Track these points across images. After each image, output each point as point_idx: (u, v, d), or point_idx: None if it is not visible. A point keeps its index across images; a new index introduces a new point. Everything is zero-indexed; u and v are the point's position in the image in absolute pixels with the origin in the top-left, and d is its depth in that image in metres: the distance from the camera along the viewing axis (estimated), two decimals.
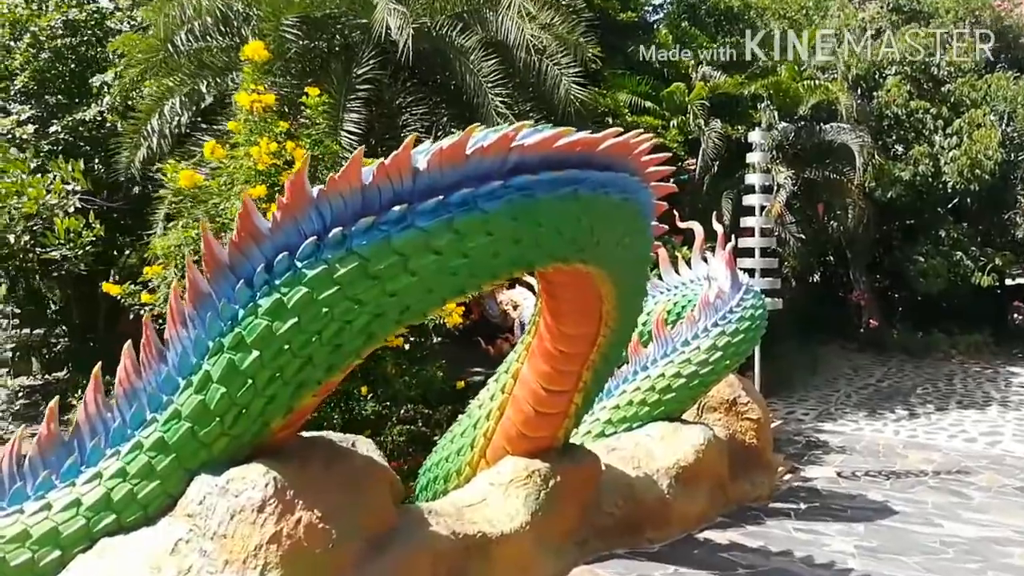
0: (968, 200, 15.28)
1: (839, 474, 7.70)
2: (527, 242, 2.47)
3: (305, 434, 3.03)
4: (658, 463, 5.05)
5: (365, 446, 3.13)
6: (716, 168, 10.80)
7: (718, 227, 6.18)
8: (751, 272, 7.61)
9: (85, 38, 10.97)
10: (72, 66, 10.77)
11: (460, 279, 2.41)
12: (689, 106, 11.02)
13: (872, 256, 18.17)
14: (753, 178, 7.49)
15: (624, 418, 5.51)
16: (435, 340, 8.13)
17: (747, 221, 7.52)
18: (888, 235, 18.47)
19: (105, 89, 9.82)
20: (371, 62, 7.74)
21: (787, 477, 7.25)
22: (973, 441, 9.57)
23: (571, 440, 5.59)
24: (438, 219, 2.26)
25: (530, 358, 3.84)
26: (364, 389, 6.01)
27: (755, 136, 7.60)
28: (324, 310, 2.30)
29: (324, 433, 3.10)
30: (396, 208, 2.25)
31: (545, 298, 3.45)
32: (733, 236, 6.39)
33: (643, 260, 3.32)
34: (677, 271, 6.69)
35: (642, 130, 2.82)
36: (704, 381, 5.42)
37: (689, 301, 6.27)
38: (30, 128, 8.75)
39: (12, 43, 10.86)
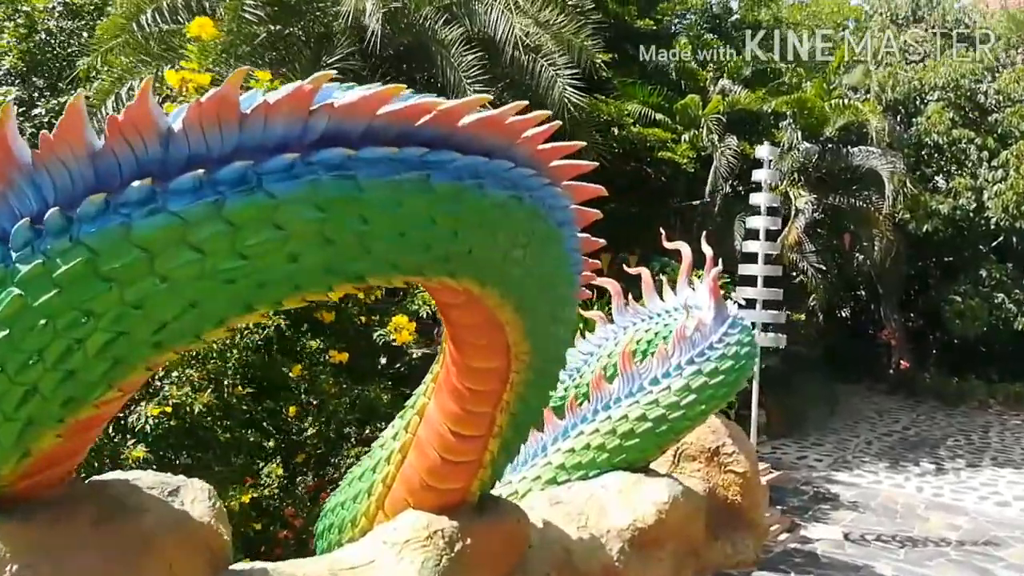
0: (1013, 238, 14.29)
1: (846, 536, 6.88)
2: (346, 245, 1.81)
3: (105, 476, 2.40)
4: (610, 522, 4.30)
5: (194, 494, 2.48)
6: (729, 188, 10.06)
7: (707, 249, 5.45)
8: (751, 304, 6.87)
9: (84, 21, 10.72)
10: (68, 50, 10.54)
11: (241, 291, 1.74)
12: (703, 120, 10.33)
13: (905, 293, 17.20)
14: (759, 198, 6.77)
15: (579, 464, 4.78)
16: (415, 356, 7.59)
17: (750, 246, 6.79)
18: (923, 272, 17.49)
19: (93, 73, 9.51)
20: (345, 51, 7.21)
21: (783, 537, 6.45)
22: (1006, 505, 8.62)
23: (516, 484, 4.89)
24: (200, 202, 1.61)
25: (436, 393, 3.17)
26: (292, 410, 5.40)
27: (763, 151, 6.89)
28: (42, 322, 1.66)
29: (145, 474, 2.46)
30: (138, 184, 1.60)
31: (444, 322, 2.77)
32: (718, 262, 5.65)
33: (557, 280, 2.63)
34: (661, 296, 5.98)
35: (547, 115, 2.16)
36: (674, 428, 4.68)
37: (670, 332, 5.53)
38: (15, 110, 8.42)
39: (6, 23, 10.66)
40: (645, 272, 6.13)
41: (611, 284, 6.28)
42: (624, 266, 6.51)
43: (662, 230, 6.17)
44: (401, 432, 3.50)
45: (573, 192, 2.60)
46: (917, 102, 14.45)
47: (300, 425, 5.48)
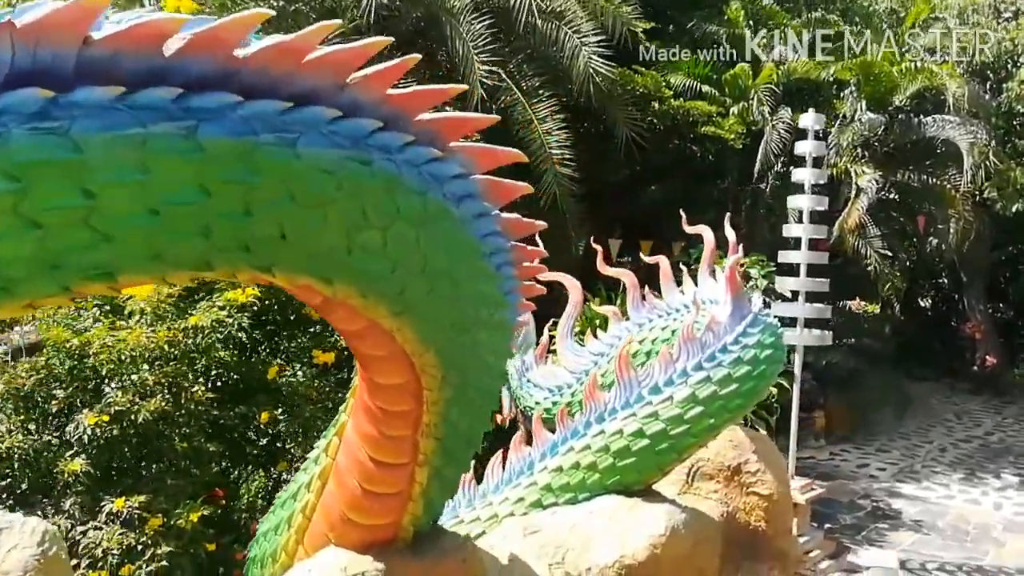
0: None
1: (903, 564, 6.10)
2: (64, 229, 1.31)
3: None
4: (593, 558, 3.74)
5: (16, 540, 2.07)
6: (783, 167, 9.19)
7: (729, 233, 4.76)
8: (794, 296, 6.11)
9: None
10: None
11: None
12: (754, 91, 9.46)
13: (993, 281, 15.76)
14: (802, 174, 5.97)
15: (567, 485, 4.22)
16: None
17: (791, 230, 6.01)
18: (1014, 257, 16.00)
19: None
20: (350, 25, 6.77)
21: (825, 564, 5.74)
22: None
23: (497, 506, 4.41)
24: None
25: (354, 413, 2.69)
26: (265, 415, 5.01)
27: (807, 120, 6.07)
28: None
29: None
30: None
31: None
32: (739, 249, 4.89)
33: (460, 273, 2.06)
34: (682, 288, 5.32)
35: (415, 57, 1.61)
36: (676, 446, 4.07)
37: None
38: None
39: None
40: (663, 261, 5.49)
41: (626, 275, 5.64)
42: (640, 254, 5.89)
43: (682, 212, 5.52)
44: (322, 456, 3.02)
45: (477, 159, 2.04)
46: (1009, 66, 13.05)
47: (274, 431, 5.09)
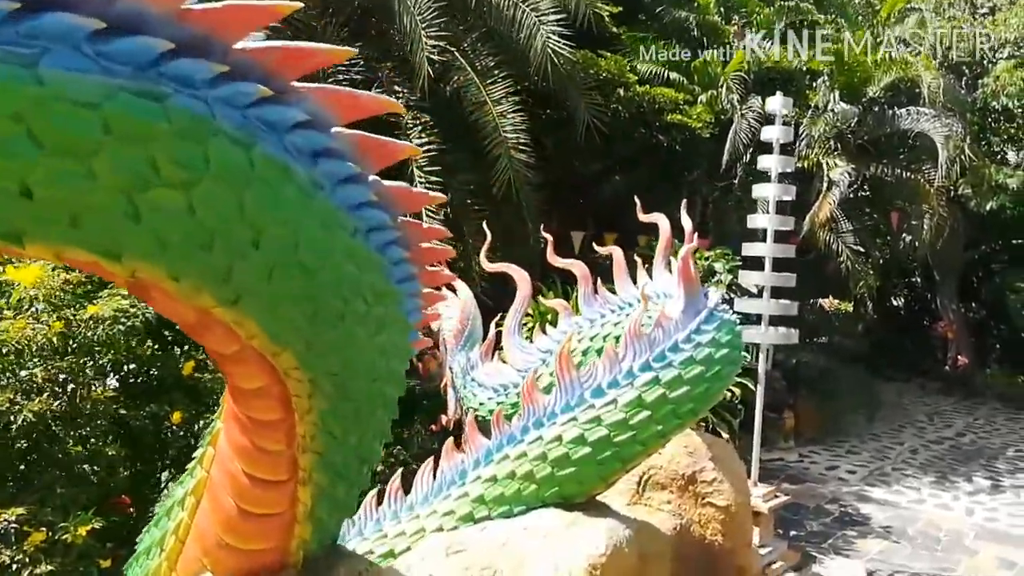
0: None
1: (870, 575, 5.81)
2: None
3: None
4: None
5: None
6: (751, 157, 8.90)
7: (686, 221, 4.42)
8: (759, 292, 5.80)
9: None
10: None
11: None
12: (723, 79, 9.16)
13: (965, 280, 15.69)
14: (768, 161, 5.66)
15: (501, 497, 3.86)
16: None
17: (756, 220, 5.69)
18: (987, 256, 15.96)
19: None
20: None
21: None
22: None
23: (424, 519, 4.08)
24: None
25: (226, 420, 2.29)
26: (177, 416, 4.59)
27: (774, 104, 5.75)
28: None
29: None
30: None
31: None
32: (694, 238, 4.54)
33: (317, 251, 1.66)
34: (635, 281, 4.98)
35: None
36: (621, 454, 3.72)
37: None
38: None
39: None
40: (616, 252, 5.16)
41: (576, 267, 5.29)
42: (595, 244, 5.54)
43: (637, 199, 5.18)
44: (197, 468, 2.62)
45: (336, 110, 1.65)
46: (984, 62, 12.93)
47: (187, 432, 4.67)
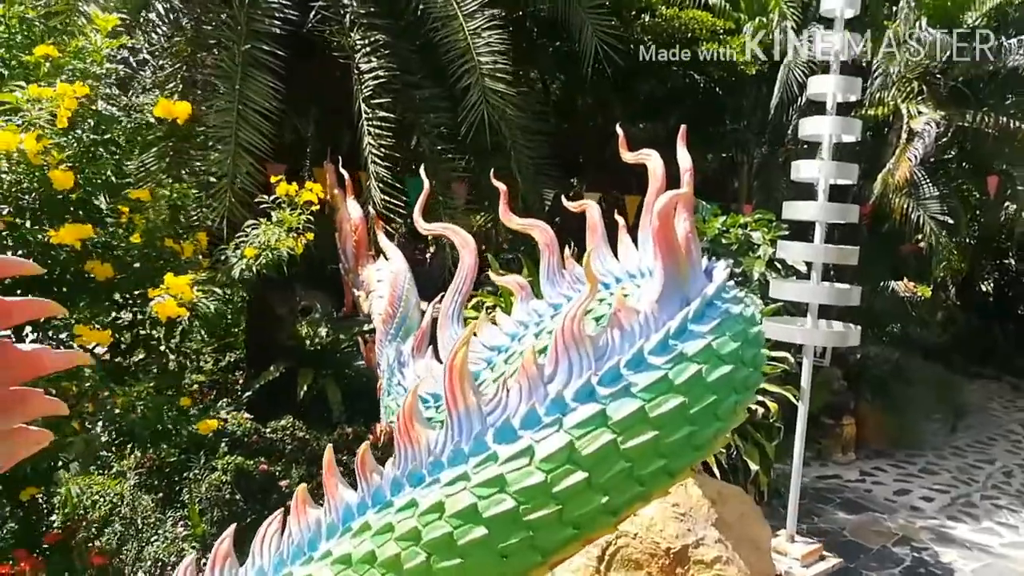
0: None
1: None
2: None
3: None
4: None
5: None
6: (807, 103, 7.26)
7: (684, 156, 2.91)
8: (807, 271, 4.28)
9: None
10: None
11: None
12: (776, 5, 7.49)
13: None
14: (823, 84, 4.08)
15: None
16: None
17: (803, 169, 4.15)
18: None
19: None
20: None
21: None
22: None
23: None
24: None
25: None
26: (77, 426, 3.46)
27: (833, 2, 4.16)
28: None
29: None
30: None
31: None
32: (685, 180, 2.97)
33: None
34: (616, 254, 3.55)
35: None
36: (538, 542, 2.36)
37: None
38: None
39: None
40: (591, 209, 3.73)
41: (537, 229, 3.87)
42: (564, 199, 4.09)
43: (619, 130, 3.71)
44: None
45: None
46: None
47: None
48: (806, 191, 4.61)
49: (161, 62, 5.97)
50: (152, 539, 5.40)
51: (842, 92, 4.02)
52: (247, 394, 7.06)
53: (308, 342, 7.87)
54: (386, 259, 4.50)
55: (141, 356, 4.11)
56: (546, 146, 7.28)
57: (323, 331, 7.97)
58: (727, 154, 8.20)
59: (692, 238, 2.63)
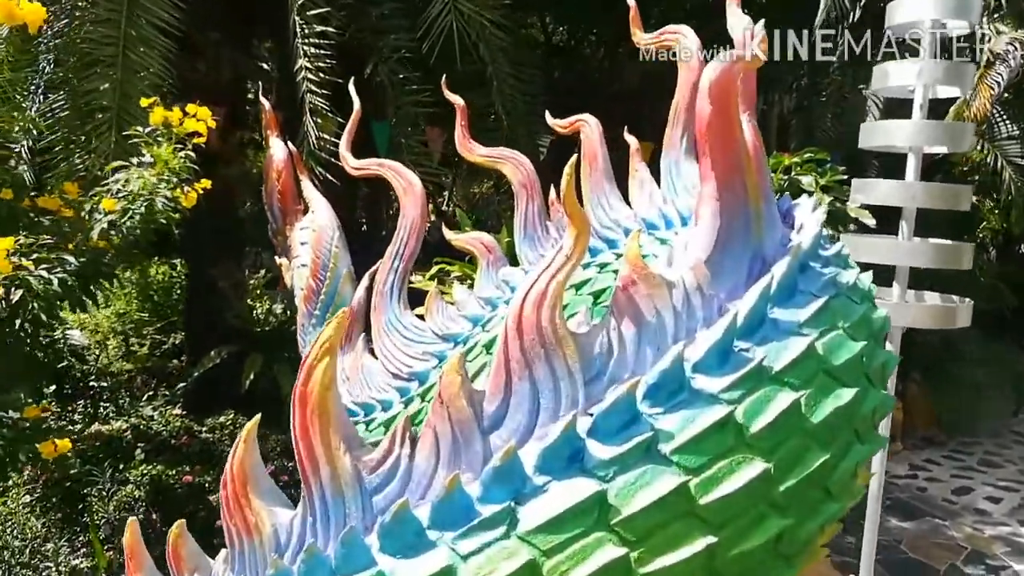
0: None
1: None
2: None
3: None
4: None
5: None
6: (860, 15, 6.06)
7: (739, 22, 1.79)
8: (880, 224, 3.15)
9: None
10: None
11: None
12: None
13: None
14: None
15: None
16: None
17: (895, 75, 2.98)
18: None
19: None
20: None
21: None
22: None
23: None
24: None
25: None
26: None
27: None
28: None
29: None
30: None
31: None
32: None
33: None
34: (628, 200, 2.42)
35: None
36: None
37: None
38: None
39: None
40: (589, 127, 2.60)
41: (509, 163, 2.71)
42: (548, 115, 2.91)
43: (631, 2, 2.58)
44: None
45: None
46: None
47: None
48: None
49: None
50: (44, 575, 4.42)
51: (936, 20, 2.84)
52: (181, 385, 6.02)
53: (259, 321, 6.79)
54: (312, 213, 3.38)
55: None
56: (540, 82, 6.13)
57: (278, 308, 6.88)
58: (760, 80, 7.04)
59: (761, 152, 1.53)
